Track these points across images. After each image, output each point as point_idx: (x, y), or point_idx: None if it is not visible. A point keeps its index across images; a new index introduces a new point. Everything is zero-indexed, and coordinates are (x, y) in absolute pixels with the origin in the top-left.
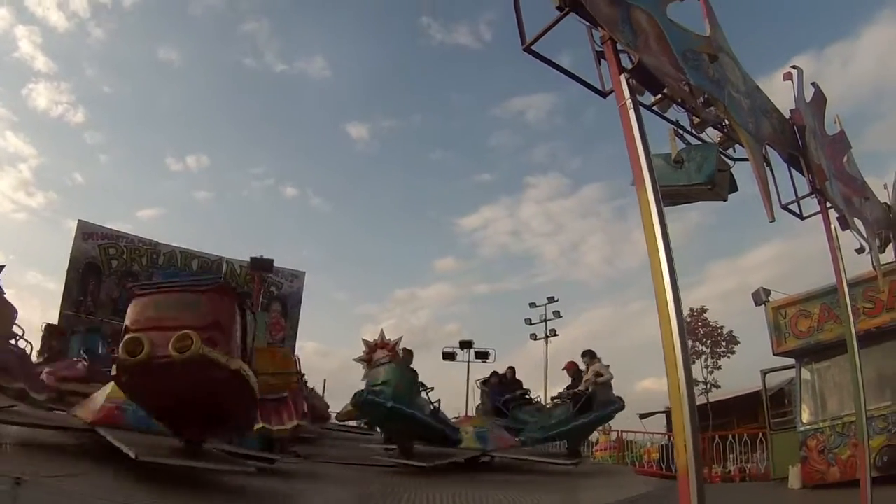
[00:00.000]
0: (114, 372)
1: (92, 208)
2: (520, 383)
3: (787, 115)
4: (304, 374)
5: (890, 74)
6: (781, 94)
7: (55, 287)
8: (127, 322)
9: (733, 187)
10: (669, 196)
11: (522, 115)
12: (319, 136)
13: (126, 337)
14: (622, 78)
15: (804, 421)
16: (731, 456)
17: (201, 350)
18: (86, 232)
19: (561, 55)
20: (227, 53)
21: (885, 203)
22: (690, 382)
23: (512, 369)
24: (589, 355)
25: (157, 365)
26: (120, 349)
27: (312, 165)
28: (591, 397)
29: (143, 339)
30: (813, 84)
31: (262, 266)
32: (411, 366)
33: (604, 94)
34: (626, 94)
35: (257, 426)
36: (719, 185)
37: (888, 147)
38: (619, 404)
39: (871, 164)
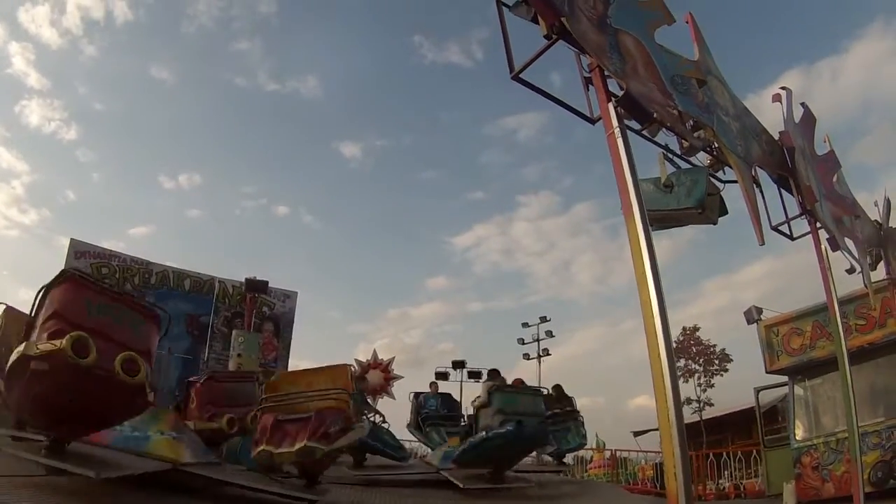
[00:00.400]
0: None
1: (84, 226)
2: (447, 400)
3: (776, 136)
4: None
5: (878, 88)
6: (772, 111)
7: None
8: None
9: (723, 210)
10: (659, 220)
11: (514, 133)
12: (311, 155)
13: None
14: (610, 106)
15: (798, 438)
16: (725, 472)
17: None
18: (78, 251)
19: (550, 75)
20: (220, 72)
21: (876, 220)
22: (680, 414)
23: (434, 384)
24: (491, 376)
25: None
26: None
27: (304, 184)
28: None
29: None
30: (802, 104)
31: (256, 287)
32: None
33: (592, 121)
34: (615, 122)
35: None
36: (709, 209)
37: (877, 160)
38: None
39: (860, 178)
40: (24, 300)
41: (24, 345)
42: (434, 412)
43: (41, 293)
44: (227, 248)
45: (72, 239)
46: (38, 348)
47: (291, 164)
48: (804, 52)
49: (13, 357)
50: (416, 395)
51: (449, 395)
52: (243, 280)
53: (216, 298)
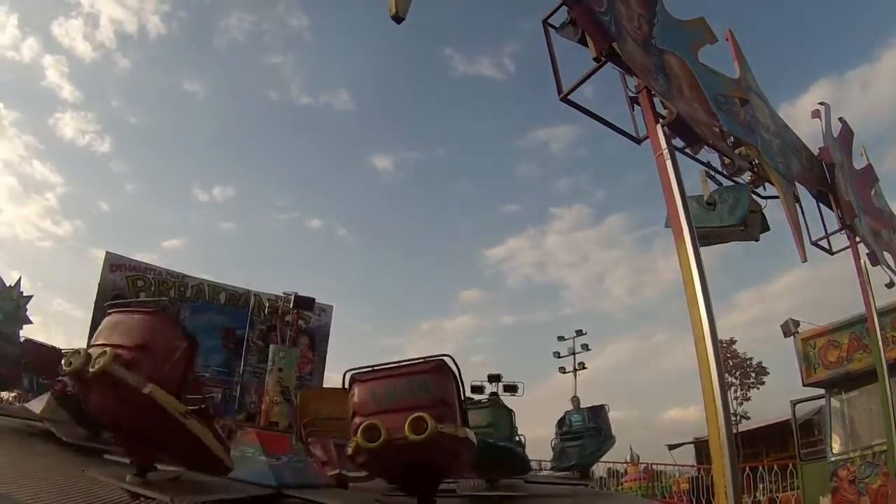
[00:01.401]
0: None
1: (118, 238)
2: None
3: (815, 150)
4: None
5: None
6: (807, 120)
7: (81, 315)
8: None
9: (765, 227)
10: (702, 237)
11: (546, 145)
12: (344, 168)
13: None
14: (659, 127)
15: (834, 451)
16: (760, 486)
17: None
18: (113, 264)
19: (586, 89)
20: (252, 86)
21: None
22: (731, 435)
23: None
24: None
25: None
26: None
27: (337, 197)
28: None
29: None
30: (840, 119)
31: (303, 304)
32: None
33: (638, 141)
34: (664, 144)
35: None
36: (751, 226)
37: None
38: None
39: (893, 187)
40: (58, 311)
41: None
42: None
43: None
44: (260, 261)
45: (107, 252)
46: (350, 447)
47: (324, 177)
48: (835, 60)
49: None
50: None
51: None
52: (280, 293)
53: (251, 312)
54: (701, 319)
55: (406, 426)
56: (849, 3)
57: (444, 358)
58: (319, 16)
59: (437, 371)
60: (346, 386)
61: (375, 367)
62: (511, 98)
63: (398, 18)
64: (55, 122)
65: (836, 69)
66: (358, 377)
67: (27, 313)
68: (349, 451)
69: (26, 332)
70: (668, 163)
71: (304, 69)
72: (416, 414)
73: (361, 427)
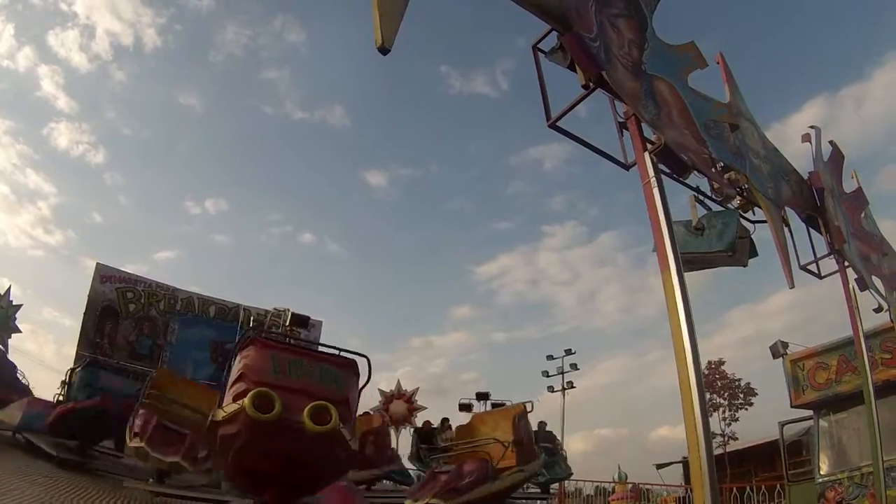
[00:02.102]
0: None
1: (110, 248)
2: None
3: (804, 174)
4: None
5: None
6: (799, 141)
7: (71, 324)
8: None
9: (753, 253)
10: (690, 262)
11: (540, 163)
12: (338, 183)
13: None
14: (646, 155)
15: (822, 472)
16: None
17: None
18: (104, 275)
19: (579, 109)
20: (248, 100)
21: None
22: (712, 461)
23: (437, 421)
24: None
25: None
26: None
27: (330, 212)
28: None
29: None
30: (830, 142)
31: (299, 322)
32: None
33: (626, 167)
34: (651, 171)
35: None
36: (740, 252)
37: None
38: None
39: (885, 207)
40: (47, 320)
41: (212, 412)
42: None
43: (231, 359)
44: (252, 274)
45: (98, 263)
46: (224, 412)
47: (318, 192)
48: (828, 79)
49: (206, 426)
50: (417, 429)
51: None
52: (270, 308)
53: (241, 325)
54: (684, 348)
55: (305, 411)
56: (840, 22)
57: (362, 358)
58: (316, 32)
59: (350, 369)
60: (240, 346)
61: (287, 339)
62: (505, 115)
63: (384, 50)
64: (49, 132)
65: (828, 88)
66: (260, 340)
67: (16, 322)
68: (217, 417)
69: (15, 341)
70: (655, 191)
71: (299, 84)
72: (320, 402)
73: (254, 392)
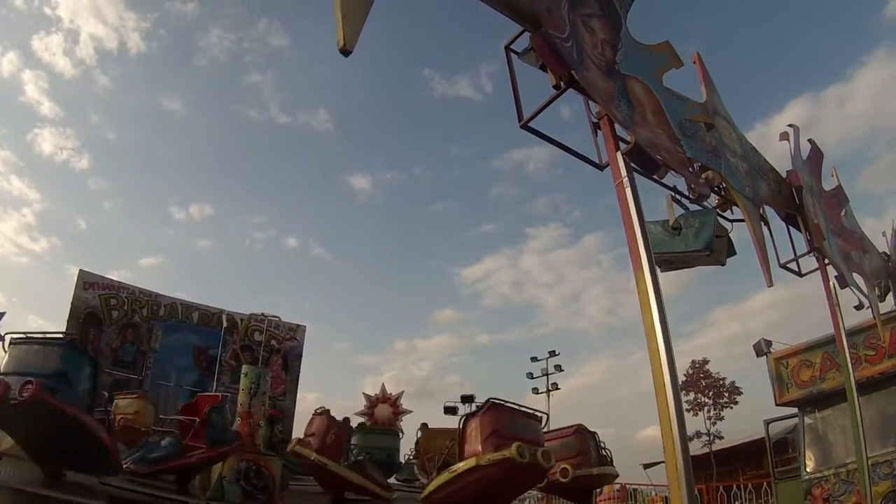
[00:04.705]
0: None
1: (94, 255)
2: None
3: (783, 173)
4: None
5: (883, 115)
6: (781, 144)
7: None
8: None
9: (731, 252)
10: (667, 262)
11: (523, 166)
12: (322, 187)
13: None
14: (619, 155)
15: (808, 469)
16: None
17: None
18: (87, 282)
19: (558, 107)
20: (232, 104)
21: (885, 252)
22: (688, 462)
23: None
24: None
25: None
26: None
27: (314, 216)
28: None
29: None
30: (809, 140)
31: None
32: None
33: (600, 167)
34: (623, 171)
35: None
36: (717, 251)
37: (884, 188)
38: None
39: (868, 205)
40: (32, 328)
41: (475, 458)
42: None
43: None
44: (236, 280)
45: (80, 270)
46: (488, 458)
47: (302, 196)
48: (811, 79)
49: (466, 465)
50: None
51: None
52: (250, 313)
53: (224, 331)
54: (658, 348)
55: (539, 454)
56: (822, 23)
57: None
58: (300, 36)
59: (539, 420)
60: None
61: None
62: (489, 118)
63: (345, 52)
64: (34, 138)
65: (811, 88)
66: (497, 405)
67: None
68: (483, 461)
69: None
70: (628, 190)
71: (283, 88)
72: (544, 449)
73: (516, 445)
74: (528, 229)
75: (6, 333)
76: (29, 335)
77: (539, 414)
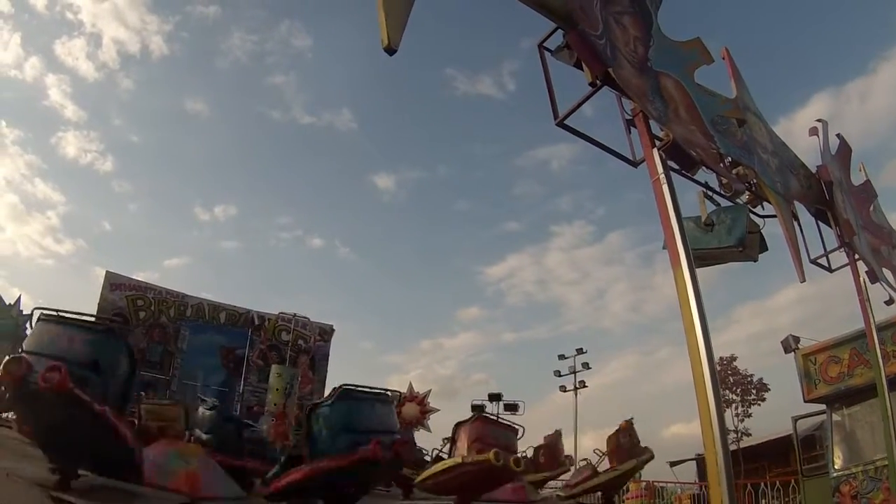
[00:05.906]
0: None
1: (119, 256)
2: None
3: (812, 168)
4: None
5: None
6: (805, 135)
7: None
8: None
9: (763, 247)
10: (700, 258)
11: (547, 164)
12: (346, 187)
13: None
14: (655, 152)
15: (836, 466)
16: (762, 502)
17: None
18: (113, 283)
19: (583, 107)
20: (255, 105)
21: None
22: (728, 460)
23: None
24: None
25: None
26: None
27: (339, 216)
28: None
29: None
30: (838, 135)
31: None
32: None
33: (635, 164)
34: (660, 168)
35: None
36: (749, 247)
37: None
38: None
39: (892, 200)
40: None
41: (461, 456)
42: None
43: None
44: (261, 280)
45: (107, 271)
46: (471, 459)
47: (326, 196)
48: (833, 74)
49: (452, 462)
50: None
51: None
52: (278, 313)
53: (252, 331)
54: (698, 345)
55: (511, 460)
56: (845, 17)
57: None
58: (322, 36)
59: (515, 431)
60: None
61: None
62: (512, 116)
63: (391, 50)
64: (57, 141)
65: (833, 82)
66: (482, 418)
67: (27, 332)
68: (468, 460)
69: None
70: (665, 187)
71: (306, 89)
72: (517, 456)
73: (494, 451)
74: (552, 227)
75: (35, 308)
76: (61, 313)
77: (516, 427)
